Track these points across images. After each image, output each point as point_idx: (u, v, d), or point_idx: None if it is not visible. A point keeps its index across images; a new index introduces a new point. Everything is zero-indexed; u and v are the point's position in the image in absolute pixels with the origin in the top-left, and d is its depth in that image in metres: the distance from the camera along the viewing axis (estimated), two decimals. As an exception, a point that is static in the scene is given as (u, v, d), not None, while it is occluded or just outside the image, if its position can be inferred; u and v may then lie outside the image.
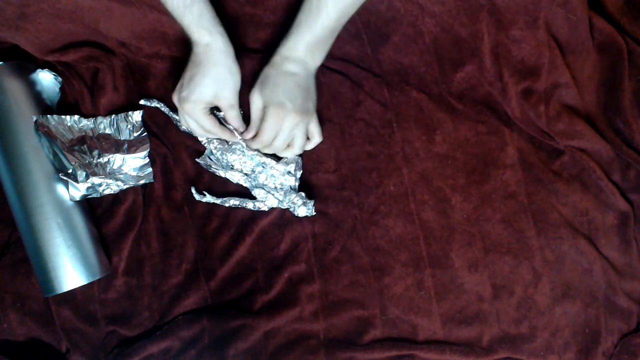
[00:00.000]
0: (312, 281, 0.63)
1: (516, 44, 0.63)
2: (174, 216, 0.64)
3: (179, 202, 0.64)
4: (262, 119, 0.58)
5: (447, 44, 0.64)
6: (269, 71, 0.58)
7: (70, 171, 0.59)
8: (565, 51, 0.64)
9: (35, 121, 0.60)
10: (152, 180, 0.63)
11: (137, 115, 0.63)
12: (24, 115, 0.60)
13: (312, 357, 0.61)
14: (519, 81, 0.64)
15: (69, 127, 0.61)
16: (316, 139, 0.62)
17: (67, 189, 0.59)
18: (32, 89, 0.62)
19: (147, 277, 0.64)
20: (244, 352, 0.61)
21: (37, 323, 0.64)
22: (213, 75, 0.57)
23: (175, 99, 0.59)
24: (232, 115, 0.60)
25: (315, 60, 0.59)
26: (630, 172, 0.65)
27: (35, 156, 0.59)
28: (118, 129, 0.62)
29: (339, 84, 0.64)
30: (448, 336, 0.63)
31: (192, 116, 0.59)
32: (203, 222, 0.64)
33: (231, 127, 0.61)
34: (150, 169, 0.63)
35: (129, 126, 0.62)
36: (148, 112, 0.65)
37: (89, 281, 0.59)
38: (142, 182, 0.63)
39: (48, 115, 0.60)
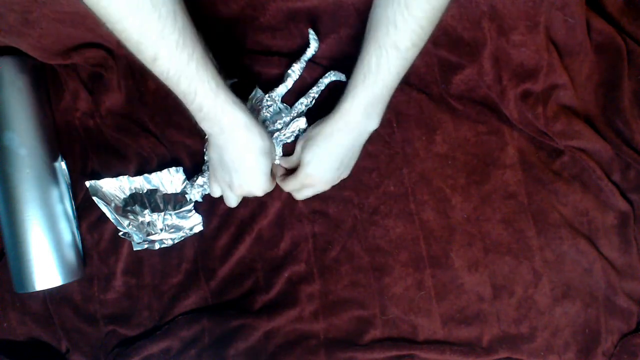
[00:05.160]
0: (312, 281, 0.63)
1: (516, 48, 0.63)
2: (174, 216, 0.64)
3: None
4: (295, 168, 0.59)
5: (448, 47, 0.64)
6: (317, 135, 0.55)
7: (126, 232, 0.62)
8: (563, 53, 0.65)
9: (89, 187, 0.61)
10: (203, 229, 0.63)
11: (180, 172, 0.63)
12: (17, 110, 0.60)
13: (312, 357, 0.61)
14: (518, 84, 0.64)
15: (120, 187, 0.62)
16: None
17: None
18: (31, 82, 0.62)
19: (147, 277, 0.64)
20: (244, 352, 0.61)
21: (37, 323, 0.64)
22: (262, 148, 0.53)
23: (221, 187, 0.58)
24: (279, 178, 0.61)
25: (371, 123, 0.54)
26: (630, 172, 0.65)
27: (25, 153, 0.59)
28: (163, 184, 0.63)
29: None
30: (448, 336, 0.63)
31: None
32: (203, 221, 0.64)
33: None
34: (200, 220, 0.63)
35: (172, 180, 0.63)
36: (148, 112, 0.65)
37: (64, 283, 0.59)
38: (194, 232, 0.63)
39: (99, 181, 0.62)
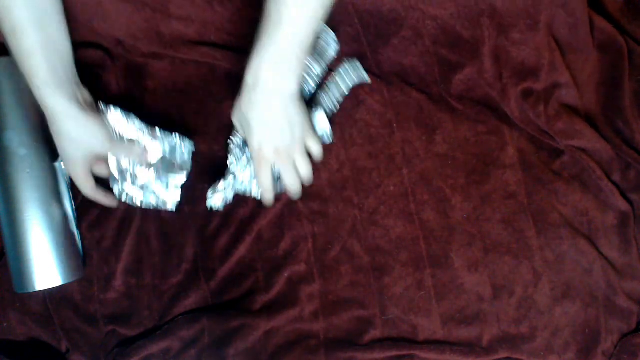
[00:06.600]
0: (312, 281, 0.63)
1: (516, 46, 0.63)
2: (173, 216, 0.64)
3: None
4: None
5: (448, 46, 0.64)
6: (240, 103, 0.52)
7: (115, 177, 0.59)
8: (566, 51, 0.65)
9: (100, 108, 0.58)
10: (174, 209, 0.62)
11: (189, 144, 0.61)
12: (17, 110, 0.60)
13: (312, 357, 0.62)
14: (519, 82, 0.64)
15: (126, 121, 0.59)
16: (315, 157, 0.59)
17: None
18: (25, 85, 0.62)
19: (147, 277, 0.64)
20: (244, 352, 0.61)
21: (37, 323, 0.64)
22: (70, 137, 0.54)
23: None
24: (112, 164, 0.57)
25: (287, 84, 0.50)
26: (630, 172, 0.65)
27: (25, 153, 0.59)
28: (166, 143, 0.60)
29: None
30: (448, 336, 0.63)
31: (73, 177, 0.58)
32: (203, 221, 0.64)
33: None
34: (178, 197, 0.61)
35: (177, 147, 0.61)
36: (148, 112, 0.65)
37: (64, 283, 0.59)
38: (166, 207, 0.61)
39: (113, 107, 0.58)
